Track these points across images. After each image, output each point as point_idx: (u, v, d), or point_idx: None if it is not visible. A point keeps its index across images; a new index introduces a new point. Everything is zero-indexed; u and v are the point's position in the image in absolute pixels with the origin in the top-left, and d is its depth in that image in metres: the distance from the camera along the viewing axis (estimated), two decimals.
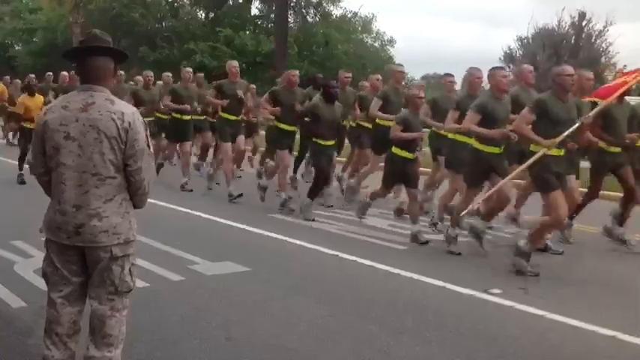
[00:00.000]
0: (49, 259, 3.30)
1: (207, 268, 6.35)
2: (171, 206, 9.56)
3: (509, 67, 40.13)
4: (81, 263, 3.27)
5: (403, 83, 11.97)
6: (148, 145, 3.32)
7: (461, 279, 6.26)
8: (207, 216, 9.12)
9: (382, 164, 8.69)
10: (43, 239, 3.34)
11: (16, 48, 61.03)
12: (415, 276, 6.36)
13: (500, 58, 40.13)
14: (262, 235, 8.04)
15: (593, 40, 38.45)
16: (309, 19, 48.60)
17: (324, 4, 48.67)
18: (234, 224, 8.61)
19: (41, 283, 4.90)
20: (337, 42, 44.91)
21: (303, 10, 47.89)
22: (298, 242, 7.66)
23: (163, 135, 12.46)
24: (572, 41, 38.28)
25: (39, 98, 12.42)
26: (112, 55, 3.33)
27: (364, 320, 5.08)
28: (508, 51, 40.03)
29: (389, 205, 10.51)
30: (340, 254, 7.14)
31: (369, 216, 9.46)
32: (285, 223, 8.89)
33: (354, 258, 7.01)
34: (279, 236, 7.93)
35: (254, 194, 10.34)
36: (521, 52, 39.77)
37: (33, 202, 7.11)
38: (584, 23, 38.44)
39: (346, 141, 11.76)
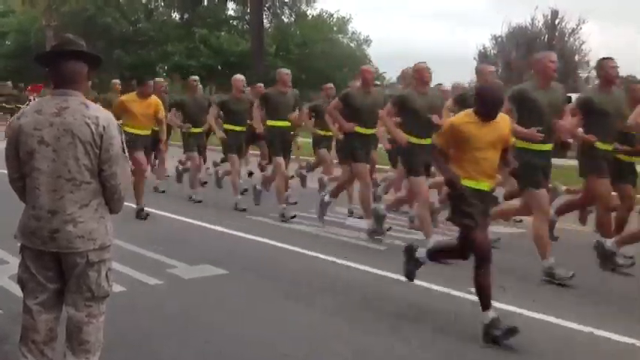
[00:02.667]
0: (25, 266, 3.25)
1: (186, 272, 6.31)
2: (147, 209, 9.47)
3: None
4: (57, 269, 3.23)
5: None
6: (124, 150, 3.30)
7: (442, 278, 6.25)
8: (184, 219, 9.07)
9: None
10: (19, 245, 3.29)
11: None
12: (395, 276, 6.30)
13: (474, 58, 40.46)
14: (241, 237, 8.01)
15: (566, 39, 38.85)
16: (285, 20, 48.65)
17: (299, 5, 48.75)
18: (212, 227, 8.57)
19: (16, 290, 4.83)
20: (314, 42, 44.95)
21: (279, 11, 47.92)
22: (277, 244, 7.64)
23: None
24: (546, 39, 38.68)
25: None
26: (86, 59, 3.30)
27: (344, 320, 5.07)
28: (482, 50, 40.37)
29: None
30: (320, 255, 7.14)
31: (351, 217, 9.45)
32: (264, 224, 8.87)
33: (332, 259, 7.00)
34: (258, 238, 7.91)
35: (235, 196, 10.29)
36: (495, 51, 40.11)
37: (7, 207, 7.01)
38: (557, 21, 38.85)
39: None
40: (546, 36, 38.60)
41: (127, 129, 8.77)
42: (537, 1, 44.77)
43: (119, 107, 9.36)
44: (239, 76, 10.71)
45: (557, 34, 38.39)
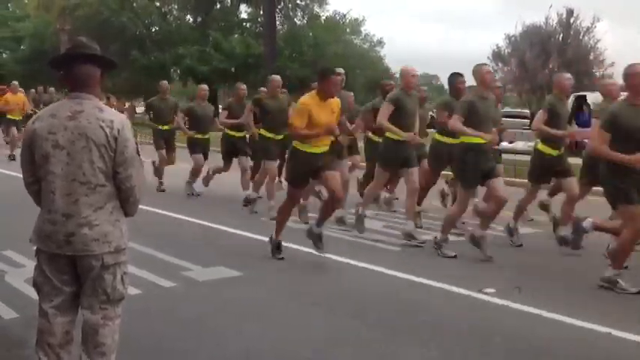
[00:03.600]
0: (40, 269, 3.26)
1: (200, 274, 6.32)
2: (162, 212, 9.51)
3: (497, 65, 40.35)
4: (72, 272, 3.24)
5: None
6: (138, 153, 3.30)
7: (456, 279, 6.25)
8: (198, 221, 9.09)
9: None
10: (34, 249, 3.31)
11: (4, 56, 60.80)
12: (410, 277, 6.35)
13: (488, 57, 40.30)
14: (254, 239, 8.01)
15: (581, 37, 38.61)
16: (297, 22, 48.73)
17: (311, 7, 48.80)
18: (225, 229, 8.58)
19: (33, 293, 4.86)
20: (326, 44, 44.95)
21: (291, 13, 48.00)
22: (291, 245, 7.62)
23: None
24: (560, 38, 38.45)
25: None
26: (99, 63, 3.30)
27: (360, 322, 5.06)
28: (496, 49, 40.20)
29: (383, 207, 10.52)
30: (334, 257, 7.12)
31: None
32: None
33: (346, 260, 6.99)
34: None
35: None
36: (509, 51, 39.92)
37: (23, 211, 7.06)
38: (571, 20, 38.61)
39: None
40: (561, 35, 38.36)
41: None
42: (549, 1, 44.49)
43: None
44: (277, 77, 10.24)
45: (571, 32, 38.14)
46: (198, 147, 11.75)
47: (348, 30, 53.54)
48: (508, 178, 14.75)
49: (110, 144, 3.16)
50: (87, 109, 3.18)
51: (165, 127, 12.29)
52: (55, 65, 3.45)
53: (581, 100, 17.56)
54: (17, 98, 17.41)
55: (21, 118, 17.17)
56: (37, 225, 3.25)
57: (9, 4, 65.43)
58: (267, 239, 7.28)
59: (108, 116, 3.20)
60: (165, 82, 12.68)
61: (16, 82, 18.19)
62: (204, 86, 12.28)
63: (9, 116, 17.18)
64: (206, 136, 11.93)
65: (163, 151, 12.21)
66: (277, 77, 10.18)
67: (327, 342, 4.66)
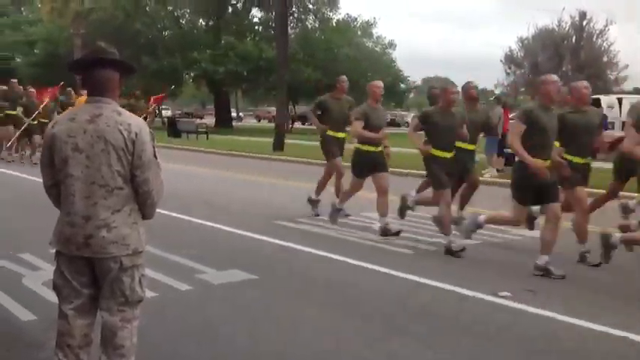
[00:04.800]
0: (60, 271, 3.29)
1: (215, 277, 6.35)
2: (177, 215, 9.56)
3: (509, 67, 40.28)
4: (91, 275, 3.27)
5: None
6: (155, 156, 3.33)
7: (469, 282, 6.25)
8: (212, 224, 9.12)
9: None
10: (53, 251, 3.34)
11: (17, 60, 61.23)
12: (423, 280, 6.35)
13: (501, 60, 40.21)
14: (268, 242, 8.04)
15: (594, 40, 38.45)
16: (309, 25, 48.84)
17: (323, 10, 48.92)
18: (239, 232, 8.61)
19: (50, 296, 4.92)
20: (338, 46, 45.02)
21: (303, 16, 48.14)
22: (305, 249, 7.65)
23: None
24: (574, 41, 38.30)
25: None
26: (118, 67, 3.34)
27: (373, 325, 5.07)
28: (509, 52, 40.10)
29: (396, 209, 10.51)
30: (347, 259, 7.13)
31: (375, 221, 9.46)
32: (291, 230, 8.89)
33: (359, 263, 7.00)
34: (286, 243, 7.93)
35: (262, 202, 10.31)
36: (521, 54, 39.83)
37: (40, 214, 7.13)
38: (584, 23, 38.46)
39: None
40: (574, 37, 38.21)
41: None
42: (563, 3, 44.32)
43: None
44: (379, 83, 9.15)
45: (584, 35, 37.99)
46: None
47: (359, 33, 53.60)
48: None
49: (128, 147, 3.19)
50: (106, 113, 3.21)
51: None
52: (74, 69, 3.49)
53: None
54: None
55: None
56: (57, 227, 3.29)
57: (22, 9, 65.96)
58: (280, 242, 7.30)
59: (126, 120, 3.23)
60: (344, 76, 10.56)
61: None
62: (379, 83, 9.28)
63: None
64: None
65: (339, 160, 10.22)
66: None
67: (340, 345, 4.67)
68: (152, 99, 20.81)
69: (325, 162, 10.42)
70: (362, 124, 8.52)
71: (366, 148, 8.70)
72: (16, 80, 18.46)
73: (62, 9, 42.19)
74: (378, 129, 8.77)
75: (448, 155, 7.82)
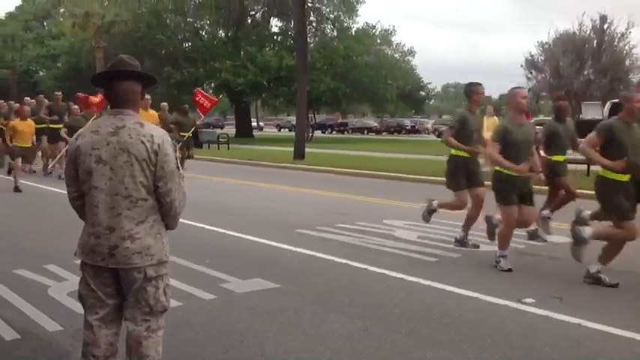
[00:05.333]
0: (85, 282, 3.33)
1: (238, 286, 6.36)
2: (199, 225, 9.61)
3: (531, 73, 40.04)
4: (116, 285, 3.30)
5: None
6: (178, 167, 3.36)
7: (494, 289, 6.21)
8: (234, 233, 9.15)
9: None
10: (78, 262, 3.38)
11: (40, 74, 62.05)
12: (447, 288, 6.32)
13: (521, 65, 39.98)
14: (291, 250, 8.04)
15: (615, 43, 38.11)
16: (328, 34, 48.97)
17: (342, 19, 49.03)
18: (262, 241, 8.63)
19: (76, 306, 4.96)
20: (357, 54, 45.09)
21: (322, 26, 48.30)
22: (327, 257, 7.65)
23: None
24: (595, 45, 37.99)
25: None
26: (140, 79, 3.38)
27: (398, 333, 5.04)
28: (530, 57, 39.88)
29: (417, 217, 10.49)
30: (369, 267, 7.12)
31: (397, 228, 9.46)
32: (313, 238, 8.89)
33: (383, 271, 6.98)
34: (308, 251, 7.93)
35: (284, 210, 10.32)
36: (542, 58, 39.59)
37: (64, 226, 7.20)
38: (605, 26, 38.16)
39: None
40: (595, 41, 37.90)
41: None
42: (583, 6, 44.06)
43: None
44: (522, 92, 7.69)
45: (606, 38, 37.67)
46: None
47: (378, 41, 53.66)
48: (542, 187, 14.62)
49: (151, 158, 3.22)
50: (128, 125, 3.25)
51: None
52: (97, 82, 3.53)
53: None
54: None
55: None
56: (82, 238, 3.32)
57: (44, 23, 66.89)
58: (302, 250, 7.28)
59: (148, 131, 3.26)
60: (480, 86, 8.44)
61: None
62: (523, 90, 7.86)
63: None
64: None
65: None
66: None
67: (365, 352, 4.65)
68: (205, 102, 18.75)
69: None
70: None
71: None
72: (60, 93, 18.46)
73: (84, 23, 42.74)
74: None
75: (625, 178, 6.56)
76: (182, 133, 17.51)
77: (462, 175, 8.31)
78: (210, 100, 18.35)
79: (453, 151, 8.33)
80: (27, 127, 14.58)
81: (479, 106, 8.56)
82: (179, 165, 3.40)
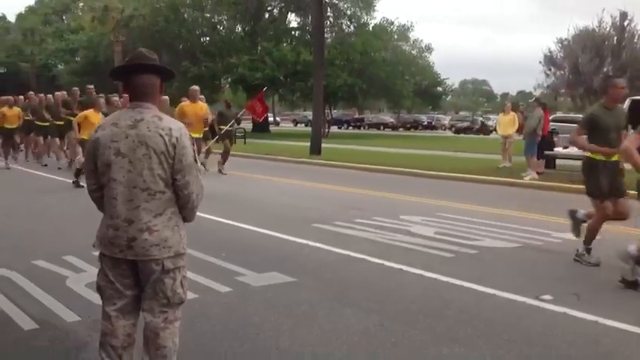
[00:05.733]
0: (103, 273, 3.35)
1: (254, 279, 6.38)
2: (216, 218, 9.65)
3: (549, 69, 39.75)
4: (134, 276, 3.32)
5: None
6: (195, 160, 3.37)
7: (511, 286, 6.18)
8: (251, 227, 9.18)
9: None
10: (96, 254, 3.40)
11: (59, 67, 62.49)
12: (464, 284, 6.30)
13: (540, 62, 39.70)
14: (307, 245, 8.05)
15: (635, 40, 37.73)
16: (345, 29, 48.93)
17: (359, 15, 48.97)
18: (279, 235, 8.64)
19: (94, 297, 5.01)
20: (375, 50, 45.03)
21: (339, 21, 48.27)
22: (343, 252, 7.65)
23: None
24: (615, 41, 37.63)
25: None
26: (159, 73, 3.38)
27: (414, 329, 5.03)
28: (548, 53, 39.58)
29: (435, 212, 10.48)
30: (386, 263, 7.11)
31: (414, 224, 9.44)
32: (330, 233, 8.89)
33: (400, 266, 6.97)
34: (324, 246, 7.94)
35: (300, 205, 10.32)
36: (561, 55, 39.27)
37: (82, 217, 7.26)
38: (625, 23, 37.77)
39: None
40: (615, 38, 37.53)
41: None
42: (602, 3, 43.62)
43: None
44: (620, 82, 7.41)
45: (626, 35, 37.29)
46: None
47: (396, 36, 53.53)
48: (561, 184, 14.56)
49: (169, 151, 3.23)
50: (147, 118, 3.26)
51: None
52: (116, 76, 3.55)
53: (637, 104, 17.15)
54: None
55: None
56: (100, 230, 3.35)
57: (64, 17, 67.34)
58: (318, 245, 7.28)
59: (166, 124, 3.28)
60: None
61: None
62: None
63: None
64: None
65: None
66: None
67: (381, 347, 4.65)
68: (254, 103, 18.84)
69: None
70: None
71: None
72: (92, 86, 18.29)
73: (102, 17, 42.98)
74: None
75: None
76: (221, 126, 17.30)
77: (601, 179, 7.16)
78: (264, 107, 19.09)
79: (589, 154, 7.34)
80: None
81: (617, 102, 7.54)
82: (197, 158, 3.40)
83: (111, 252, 3.29)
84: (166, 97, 14.52)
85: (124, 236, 3.23)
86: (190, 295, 5.32)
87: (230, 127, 18.10)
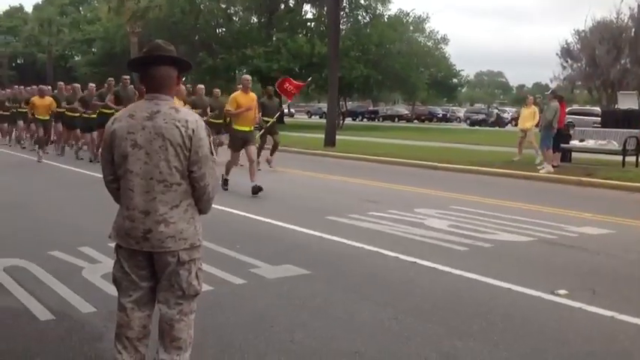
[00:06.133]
0: (119, 265, 3.36)
1: (269, 272, 6.39)
2: (230, 210, 9.67)
3: (566, 61, 39.43)
4: (150, 268, 3.33)
5: None
6: (212, 152, 3.36)
7: (526, 280, 6.15)
8: (265, 219, 9.19)
9: None
10: (112, 245, 3.41)
11: (76, 58, 62.78)
12: (479, 277, 6.28)
13: (557, 53, 39.40)
14: (321, 237, 8.05)
15: None
16: (361, 20, 48.77)
17: (375, 6, 48.78)
18: (292, 227, 8.65)
19: (109, 288, 5.04)
20: (390, 41, 44.87)
21: (355, 12, 48.12)
22: (357, 244, 7.64)
23: None
24: (633, 33, 37.25)
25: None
26: (176, 64, 3.38)
27: (428, 322, 5.02)
28: (565, 45, 39.26)
29: (449, 206, 10.45)
30: (400, 256, 7.10)
31: (428, 217, 9.41)
32: (344, 225, 8.89)
33: (414, 259, 6.95)
34: (338, 239, 7.93)
35: (314, 197, 10.35)
36: (578, 47, 38.94)
37: (98, 208, 7.29)
38: None
39: None
40: (632, 30, 37.14)
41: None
42: None
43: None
44: None
45: None
46: None
47: (411, 28, 53.31)
48: (575, 177, 14.46)
49: (185, 143, 3.23)
50: (163, 110, 3.26)
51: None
52: (133, 67, 3.54)
53: None
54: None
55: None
56: (117, 222, 3.36)
57: (80, 8, 67.63)
58: (332, 237, 7.27)
59: (183, 116, 3.27)
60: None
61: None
62: None
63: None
64: None
65: None
66: None
67: (395, 341, 4.65)
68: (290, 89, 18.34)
69: None
70: None
71: None
72: (112, 79, 17.74)
73: (119, 8, 43.07)
74: None
75: None
76: (265, 118, 15.99)
77: None
78: (296, 86, 18.37)
79: None
80: None
81: None
82: (213, 150, 3.40)
83: (127, 243, 3.29)
84: (183, 87, 14.34)
85: (140, 228, 3.24)
86: (205, 287, 5.31)
87: (275, 119, 16.92)
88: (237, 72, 49.30)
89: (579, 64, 38.78)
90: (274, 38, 45.62)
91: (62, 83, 21.07)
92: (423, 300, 5.61)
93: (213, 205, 3.49)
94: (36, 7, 68.05)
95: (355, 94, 58.00)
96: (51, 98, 18.49)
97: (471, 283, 6.15)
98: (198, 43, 46.40)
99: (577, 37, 38.76)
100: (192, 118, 3.31)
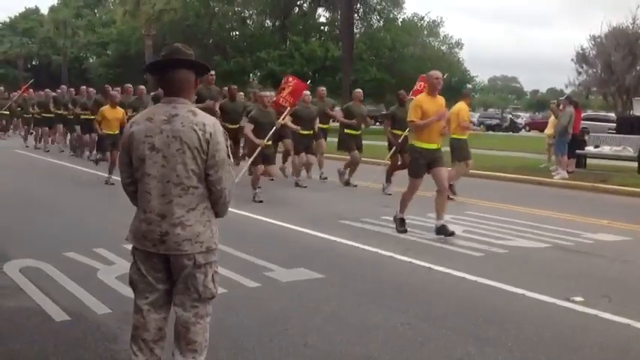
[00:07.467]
0: (136, 267, 3.38)
1: (283, 275, 6.39)
2: (244, 213, 9.68)
3: (581, 67, 39.27)
4: (166, 271, 3.35)
5: None
6: (229, 155, 3.37)
7: (541, 286, 6.12)
8: (279, 223, 9.20)
9: None
10: (127, 247, 3.43)
11: (90, 60, 63.12)
12: (493, 283, 6.25)
13: (572, 59, 39.25)
14: (335, 241, 8.05)
15: None
16: (374, 24, 48.73)
17: (388, 10, 48.73)
18: (306, 231, 8.66)
19: (124, 290, 5.07)
20: (404, 45, 44.75)
21: (368, 16, 48.09)
22: (371, 249, 7.63)
23: None
24: None
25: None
26: (194, 68, 3.40)
27: (442, 328, 5.01)
28: (581, 51, 39.11)
29: (464, 211, 10.43)
30: (414, 261, 7.09)
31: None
32: (358, 229, 8.88)
33: (428, 265, 6.94)
34: (352, 243, 7.93)
35: (327, 201, 10.34)
36: (594, 52, 38.79)
37: (112, 210, 7.32)
38: None
39: None
40: None
41: None
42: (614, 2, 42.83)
43: None
44: None
45: None
46: None
47: (425, 32, 53.22)
48: (590, 183, 14.38)
49: (202, 147, 3.24)
50: (181, 113, 3.27)
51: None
52: (151, 71, 3.56)
53: None
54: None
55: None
56: (134, 224, 3.37)
57: (95, 10, 68.02)
58: (346, 241, 7.26)
59: (200, 120, 3.29)
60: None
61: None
62: None
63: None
64: None
65: None
66: None
67: (408, 346, 4.64)
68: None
69: None
70: None
71: None
72: (144, 87, 16.81)
73: (134, 11, 43.32)
74: None
75: None
76: (396, 132, 13.28)
77: None
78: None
79: None
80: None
81: None
82: (230, 153, 3.41)
83: (143, 246, 3.31)
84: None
85: (157, 230, 3.25)
86: (219, 290, 5.34)
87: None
88: (251, 75, 49.43)
89: (594, 70, 38.62)
90: (288, 42, 45.68)
91: (84, 87, 20.42)
92: (437, 305, 5.59)
93: (229, 208, 3.50)
94: (51, 9, 68.51)
95: (368, 98, 57.92)
96: (122, 109, 14.22)
97: (485, 289, 6.13)
98: (212, 46, 46.54)
99: (592, 42, 38.64)
100: (209, 121, 3.32)
